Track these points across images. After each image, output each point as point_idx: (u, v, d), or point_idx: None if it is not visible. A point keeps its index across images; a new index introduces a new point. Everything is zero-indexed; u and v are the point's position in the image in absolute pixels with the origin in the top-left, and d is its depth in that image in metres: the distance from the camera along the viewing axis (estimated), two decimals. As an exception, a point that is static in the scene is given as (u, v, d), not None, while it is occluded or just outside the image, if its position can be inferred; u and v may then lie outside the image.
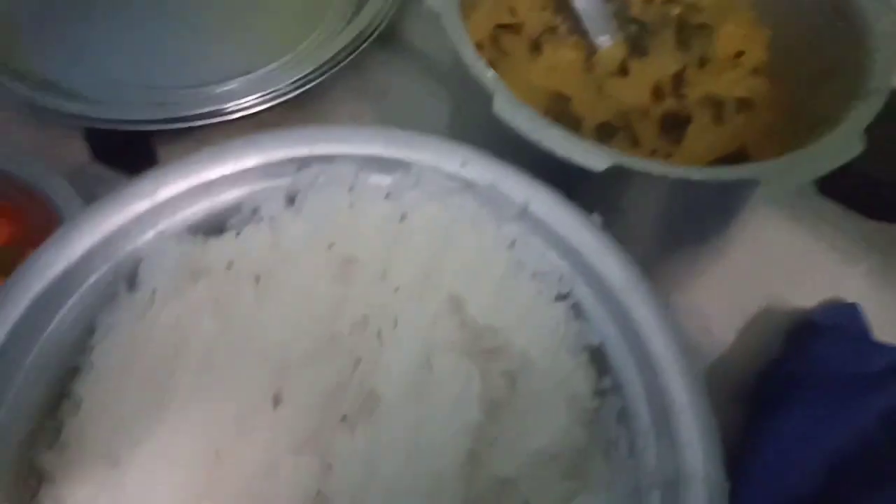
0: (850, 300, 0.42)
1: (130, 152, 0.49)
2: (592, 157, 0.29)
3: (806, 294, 0.43)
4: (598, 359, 0.28)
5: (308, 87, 0.47)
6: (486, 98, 0.31)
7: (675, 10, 0.42)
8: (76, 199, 0.38)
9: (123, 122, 0.46)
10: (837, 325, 0.39)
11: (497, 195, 0.30)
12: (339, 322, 0.28)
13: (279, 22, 0.54)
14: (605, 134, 0.38)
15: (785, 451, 0.34)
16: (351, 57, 0.49)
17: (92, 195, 0.47)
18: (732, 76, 0.39)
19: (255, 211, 0.31)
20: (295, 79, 0.47)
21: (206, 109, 0.46)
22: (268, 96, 0.47)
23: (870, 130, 0.30)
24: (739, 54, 0.40)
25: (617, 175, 0.30)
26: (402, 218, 0.30)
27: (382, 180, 0.31)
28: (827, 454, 0.34)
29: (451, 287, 0.29)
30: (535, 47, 0.40)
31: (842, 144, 0.29)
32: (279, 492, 0.26)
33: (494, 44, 0.40)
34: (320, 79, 0.48)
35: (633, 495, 0.25)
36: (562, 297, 0.29)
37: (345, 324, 0.28)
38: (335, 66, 0.48)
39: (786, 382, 0.37)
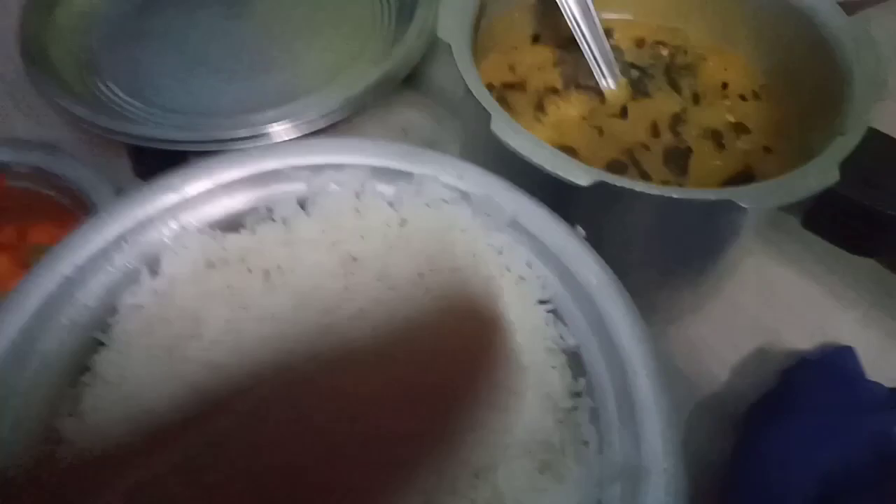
0: (845, 342, 0.42)
1: (168, 170, 0.53)
2: (578, 174, 0.31)
3: (800, 334, 0.43)
4: (575, 362, 0.30)
5: (336, 120, 0.51)
6: (486, 120, 0.33)
7: (664, 52, 0.45)
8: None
9: (162, 140, 0.50)
10: (831, 362, 0.40)
11: (490, 206, 0.32)
12: (337, 314, 0.31)
13: (313, 61, 0.58)
14: (615, 171, 0.40)
15: (772, 472, 0.35)
16: (378, 97, 0.53)
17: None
18: (723, 106, 0.42)
19: (269, 211, 0.34)
20: (325, 112, 0.51)
21: (240, 135, 0.50)
22: (299, 126, 0.51)
23: (852, 165, 0.32)
24: (724, 85, 0.43)
25: (606, 196, 0.32)
26: (402, 223, 0.33)
27: (387, 189, 0.34)
28: (815, 475, 0.34)
29: (442, 289, 0.31)
30: (539, 107, 0.43)
31: (818, 174, 0.31)
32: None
33: (502, 101, 0.43)
34: (348, 114, 0.52)
35: (596, 487, 0.27)
36: (543, 302, 0.31)
37: (342, 315, 0.31)
38: (363, 103, 0.52)
39: (775, 408, 0.37)
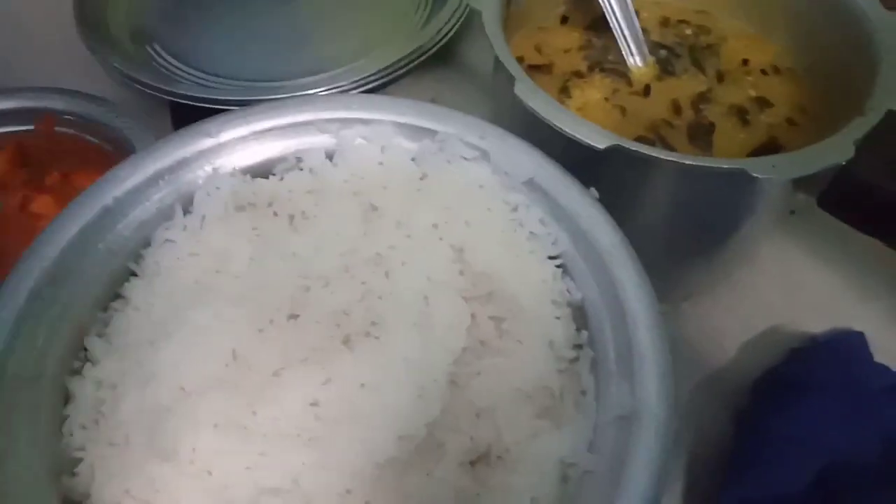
0: (858, 329, 0.43)
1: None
2: (594, 137, 0.32)
3: (814, 320, 0.44)
4: (579, 315, 0.31)
5: (368, 86, 0.53)
6: (511, 84, 0.35)
7: (688, 31, 0.45)
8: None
9: (204, 99, 0.52)
10: (840, 343, 0.40)
11: (508, 165, 0.33)
12: (355, 256, 0.32)
13: (353, 34, 0.60)
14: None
15: (777, 449, 0.35)
16: (410, 66, 0.54)
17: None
18: (746, 81, 0.42)
19: (298, 160, 0.35)
20: (357, 79, 0.53)
21: (276, 96, 0.52)
22: (333, 90, 0.53)
23: (869, 147, 0.33)
24: (745, 62, 0.44)
25: (622, 163, 0.33)
26: (423, 177, 0.34)
27: (411, 145, 0.35)
28: (821, 454, 0.35)
29: (456, 238, 0.32)
30: (564, 90, 0.44)
31: (834, 149, 0.32)
32: (282, 396, 0.29)
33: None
34: (380, 82, 0.53)
35: (591, 432, 0.28)
36: (553, 258, 0.32)
37: (360, 258, 0.32)
38: (395, 73, 0.54)
39: (781, 385, 0.38)
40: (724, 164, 0.32)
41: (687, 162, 0.31)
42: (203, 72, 0.58)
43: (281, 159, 0.36)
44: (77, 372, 0.31)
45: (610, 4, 0.44)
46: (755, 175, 0.30)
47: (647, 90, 0.43)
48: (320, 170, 0.35)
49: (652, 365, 0.27)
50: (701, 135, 0.42)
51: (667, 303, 0.45)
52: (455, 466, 0.28)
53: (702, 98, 0.43)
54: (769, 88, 0.44)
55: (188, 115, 0.53)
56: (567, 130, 0.32)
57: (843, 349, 0.39)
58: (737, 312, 0.45)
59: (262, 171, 0.35)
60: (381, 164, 0.35)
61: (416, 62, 0.55)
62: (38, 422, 0.28)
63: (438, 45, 0.56)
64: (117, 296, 0.33)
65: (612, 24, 0.44)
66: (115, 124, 0.45)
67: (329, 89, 0.52)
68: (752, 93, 0.44)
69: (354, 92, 0.52)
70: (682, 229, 0.39)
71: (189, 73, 0.58)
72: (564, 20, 0.47)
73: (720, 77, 0.44)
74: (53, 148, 0.47)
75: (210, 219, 0.34)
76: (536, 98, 0.34)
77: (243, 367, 0.30)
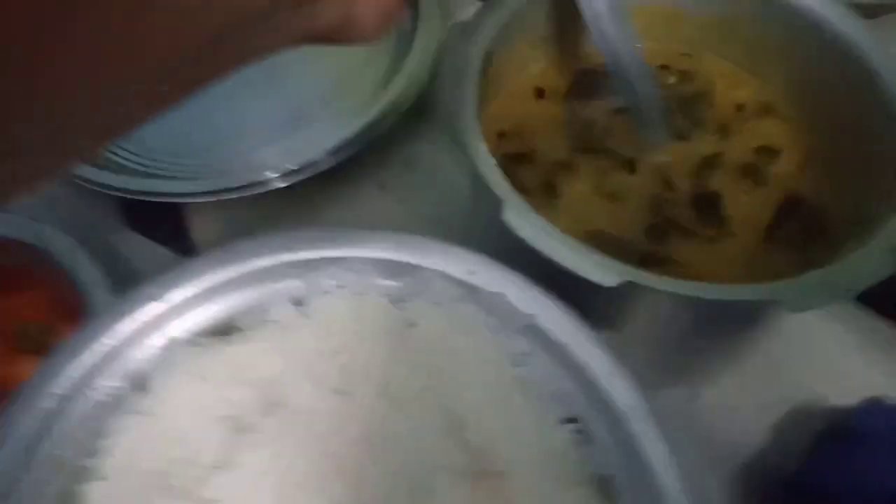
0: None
1: (161, 221, 0.50)
2: (602, 273, 0.28)
3: (844, 393, 0.40)
4: (607, 490, 0.27)
5: (330, 165, 0.48)
6: (498, 205, 0.30)
7: (672, 80, 0.41)
8: (98, 277, 0.39)
9: (154, 193, 0.47)
10: (877, 431, 0.37)
11: (504, 305, 0.29)
12: (339, 437, 0.28)
13: (309, 90, 0.54)
14: (656, 237, 0.37)
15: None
16: (382, 131, 0.49)
17: (128, 262, 0.48)
18: (745, 131, 0.38)
19: (264, 312, 0.31)
20: (327, 151, 0.48)
21: (236, 184, 0.47)
22: (298, 172, 0.47)
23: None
24: (740, 107, 0.39)
25: (634, 291, 0.29)
26: (408, 326, 0.30)
27: (390, 284, 0.31)
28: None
29: (450, 404, 0.28)
30: (550, 189, 0.39)
31: (874, 262, 0.28)
32: None
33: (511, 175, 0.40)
34: (350, 153, 0.48)
35: None
36: (568, 421, 0.28)
37: (344, 439, 0.28)
38: (366, 140, 0.48)
39: (819, 497, 0.35)
40: (749, 296, 0.27)
41: (708, 297, 0.27)
42: (145, 149, 0.52)
43: (246, 312, 0.31)
44: None
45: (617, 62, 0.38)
46: (792, 311, 0.26)
47: (630, 165, 0.38)
48: (289, 324, 0.30)
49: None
50: (708, 208, 0.37)
51: (684, 386, 0.42)
52: None
53: (706, 163, 0.38)
54: (771, 134, 0.40)
55: (140, 206, 0.48)
56: (570, 267, 0.28)
57: (880, 439, 0.36)
58: (759, 391, 0.42)
59: (223, 329, 0.31)
60: (357, 311, 0.30)
61: (391, 123, 0.50)
62: None
63: (412, 100, 0.51)
64: (71, 496, 0.29)
65: (618, 88, 0.39)
66: (45, 246, 0.40)
67: (290, 173, 0.47)
68: (754, 143, 0.40)
69: (316, 171, 0.47)
70: (703, 330, 0.35)
71: (129, 153, 0.51)
72: (540, 94, 0.42)
73: (723, 131, 0.39)
74: (-12, 278, 0.42)
75: (170, 398, 0.29)
76: (528, 226, 0.29)
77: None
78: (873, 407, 0.39)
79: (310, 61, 0.56)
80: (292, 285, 0.31)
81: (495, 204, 0.30)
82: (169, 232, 0.49)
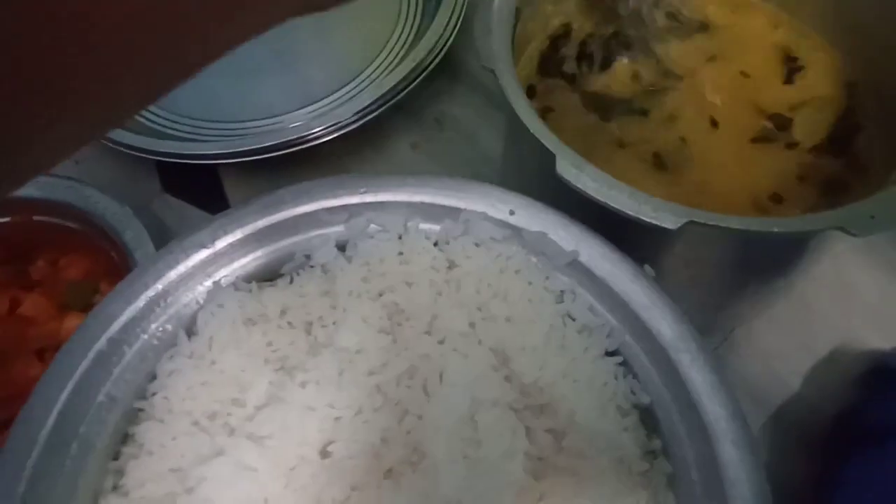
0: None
1: (198, 184, 0.50)
2: (665, 216, 0.27)
3: (883, 335, 0.40)
4: (648, 419, 0.27)
5: (368, 118, 0.48)
6: (547, 157, 0.30)
7: None
8: (144, 235, 0.40)
9: (189, 156, 0.47)
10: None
11: (546, 244, 0.29)
12: (386, 373, 0.29)
13: (340, 54, 0.54)
14: None
15: (858, 500, 0.32)
16: (409, 88, 0.49)
17: (162, 224, 0.49)
18: None
19: (308, 257, 0.31)
20: (356, 111, 0.48)
21: (268, 143, 0.47)
22: (330, 128, 0.48)
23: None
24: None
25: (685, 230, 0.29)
26: (451, 266, 0.30)
27: (431, 228, 0.31)
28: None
29: (496, 340, 0.29)
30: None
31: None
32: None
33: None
34: (380, 110, 0.48)
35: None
36: (611, 354, 0.28)
37: (391, 375, 0.28)
38: (394, 98, 0.49)
39: (863, 432, 0.35)
40: (820, 226, 0.27)
41: (776, 230, 0.27)
42: (181, 115, 0.53)
43: (288, 258, 0.32)
44: (98, 536, 0.28)
45: None
46: (855, 233, 0.26)
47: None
48: (333, 267, 0.31)
49: (748, 492, 0.24)
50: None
51: (717, 333, 0.42)
52: None
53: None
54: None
55: (175, 169, 0.49)
56: (629, 212, 0.28)
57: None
58: (795, 334, 0.42)
59: (268, 274, 0.32)
60: (400, 254, 0.31)
61: (416, 81, 0.50)
62: None
63: (438, 58, 0.51)
64: (127, 436, 0.30)
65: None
66: (93, 208, 0.41)
67: (328, 128, 0.47)
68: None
69: (351, 127, 0.47)
70: (740, 271, 0.35)
71: (165, 119, 0.52)
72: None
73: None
74: (34, 238, 0.43)
75: (218, 340, 0.30)
76: (584, 177, 0.29)
77: (279, 518, 0.27)
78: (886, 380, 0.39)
79: (339, 25, 0.56)
80: (335, 230, 0.31)
81: (543, 156, 0.30)
82: (204, 194, 0.50)
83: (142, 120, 0.52)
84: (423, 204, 0.31)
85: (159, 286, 0.30)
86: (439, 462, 0.27)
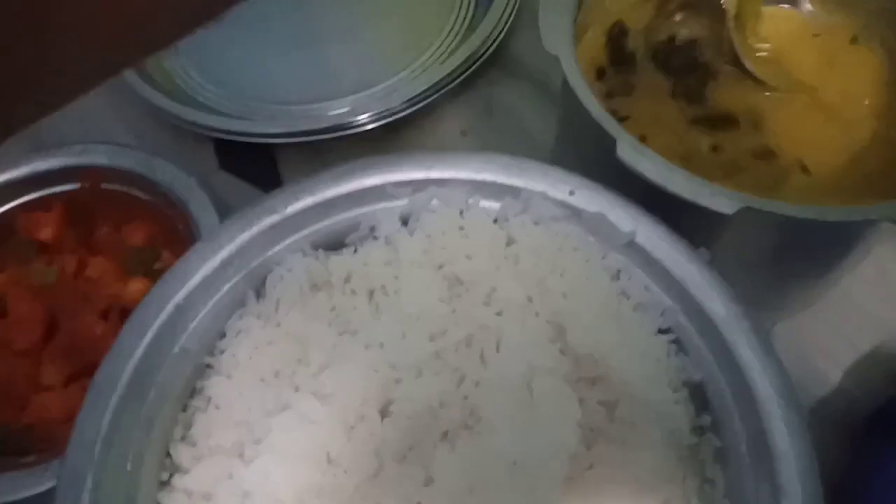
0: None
1: (253, 163, 0.52)
2: (721, 201, 0.28)
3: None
4: (698, 395, 0.28)
5: (420, 105, 0.49)
6: (605, 139, 0.31)
7: None
8: (208, 204, 0.42)
9: (247, 134, 0.49)
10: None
11: (604, 224, 0.30)
12: (445, 339, 0.30)
13: (396, 41, 0.56)
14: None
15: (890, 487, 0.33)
16: (462, 77, 0.51)
17: (219, 201, 0.51)
18: None
19: (372, 229, 0.33)
20: (408, 98, 0.49)
21: (323, 125, 0.49)
22: (383, 114, 0.49)
23: None
24: None
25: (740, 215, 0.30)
26: (510, 242, 0.32)
27: (492, 205, 0.32)
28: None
29: (553, 313, 0.30)
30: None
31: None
32: (383, 497, 0.28)
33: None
34: (431, 98, 0.50)
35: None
36: (663, 331, 0.29)
37: (450, 341, 0.30)
38: (446, 87, 0.50)
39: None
40: (873, 215, 0.28)
41: (830, 218, 0.28)
42: (238, 95, 0.54)
43: (353, 228, 0.33)
44: (166, 483, 0.29)
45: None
46: None
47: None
48: (396, 239, 0.32)
49: (796, 470, 0.25)
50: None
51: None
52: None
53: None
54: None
55: (232, 147, 0.51)
56: (686, 196, 0.29)
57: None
58: (838, 330, 0.42)
59: (334, 243, 0.33)
60: (461, 228, 0.32)
61: (470, 70, 0.51)
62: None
63: (492, 48, 0.52)
64: (195, 391, 0.31)
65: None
66: (160, 178, 0.43)
67: (380, 114, 0.49)
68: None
69: (406, 112, 0.49)
70: (789, 263, 0.36)
71: (223, 97, 0.54)
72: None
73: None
74: (100, 204, 0.45)
75: (285, 303, 0.32)
76: (644, 160, 0.30)
77: (338, 470, 0.28)
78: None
79: (392, 12, 0.57)
80: (400, 204, 0.33)
81: (602, 140, 0.31)
82: (258, 173, 0.52)
83: (200, 98, 0.54)
84: (484, 182, 0.32)
85: (233, 247, 0.31)
86: (495, 425, 0.28)
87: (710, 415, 0.28)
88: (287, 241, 0.32)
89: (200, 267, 0.31)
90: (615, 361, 0.29)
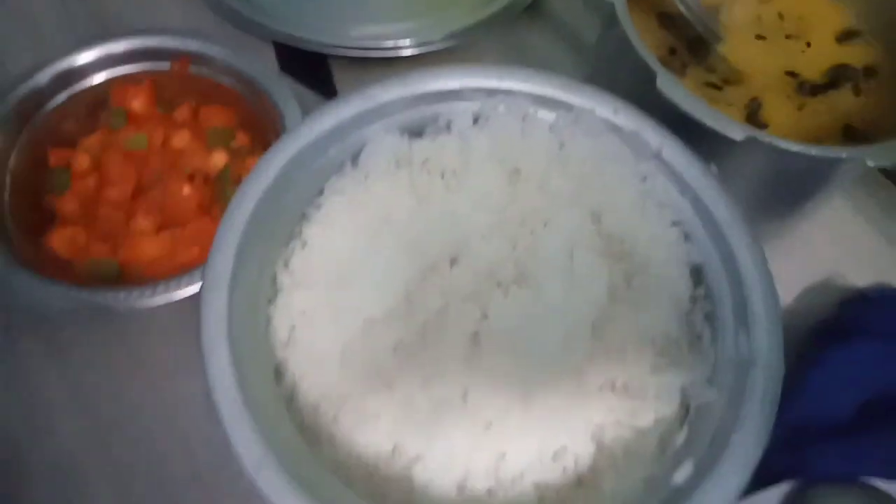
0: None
1: (311, 69, 0.58)
2: (734, 129, 0.37)
3: (863, 276, 0.50)
4: (697, 273, 0.37)
5: (457, 43, 0.57)
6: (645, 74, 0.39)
7: None
8: (289, 95, 0.48)
9: (304, 41, 0.55)
10: (887, 298, 0.47)
11: (638, 139, 0.38)
12: (503, 214, 0.38)
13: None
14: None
15: (827, 384, 0.43)
16: (501, 22, 0.58)
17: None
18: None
19: (448, 124, 0.40)
20: (449, 32, 0.57)
21: (377, 45, 0.55)
22: (424, 45, 0.56)
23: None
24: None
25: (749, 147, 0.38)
26: (561, 146, 0.39)
27: (548, 115, 0.40)
28: (866, 392, 0.42)
29: (593, 203, 0.38)
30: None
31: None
32: (448, 327, 0.35)
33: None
34: (471, 37, 0.57)
35: (712, 374, 0.34)
36: (677, 224, 0.38)
37: (508, 217, 0.37)
38: (487, 29, 0.57)
39: (838, 332, 0.45)
40: (843, 154, 0.37)
41: (813, 153, 0.37)
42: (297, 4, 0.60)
43: (432, 121, 0.40)
44: (272, 300, 0.36)
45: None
46: (872, 164, 0.36)
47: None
48: (468, 134, 0.39)
49: (766, 322, 0.33)
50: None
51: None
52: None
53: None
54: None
55: (292, 53, 0.57)
56: (708, 123, 0.37)
57: (890, 303, 0.46)
58: (793, 263, 0.51)
59: (417, 131, 0.40)
60: (522, 132, 0.39)
61: (508, 18, 0.58)
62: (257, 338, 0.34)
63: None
64: (294, 236, 0.38)
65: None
66: (244, 68, 0.49)
67: (422, 44, 0.55)
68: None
69: (448, 45, 0.56)
70: (772, 187, 0.44)
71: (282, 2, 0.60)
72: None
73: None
74: (185, 87, 0.51)
75: (374, 173, 0.39)
76: (678, 92, 0.38)
77: (415, 302, 0.36)
78: (883, 286, 0.49)
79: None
80: (473, 105, 0.40)
81: (641, 74, 0.39)
82: (316, 78, 0.58)
83: (266, 4, 0.60)
84: (544, 96, 0.40)
85: (336, 121, 0.38)
86: (540, 281, 0.36)
87: (704, 288, 0.36)
88: (381, 123, 0.39)
89: (310, 133, 0.38)
90: (637, 243, 0.37)
